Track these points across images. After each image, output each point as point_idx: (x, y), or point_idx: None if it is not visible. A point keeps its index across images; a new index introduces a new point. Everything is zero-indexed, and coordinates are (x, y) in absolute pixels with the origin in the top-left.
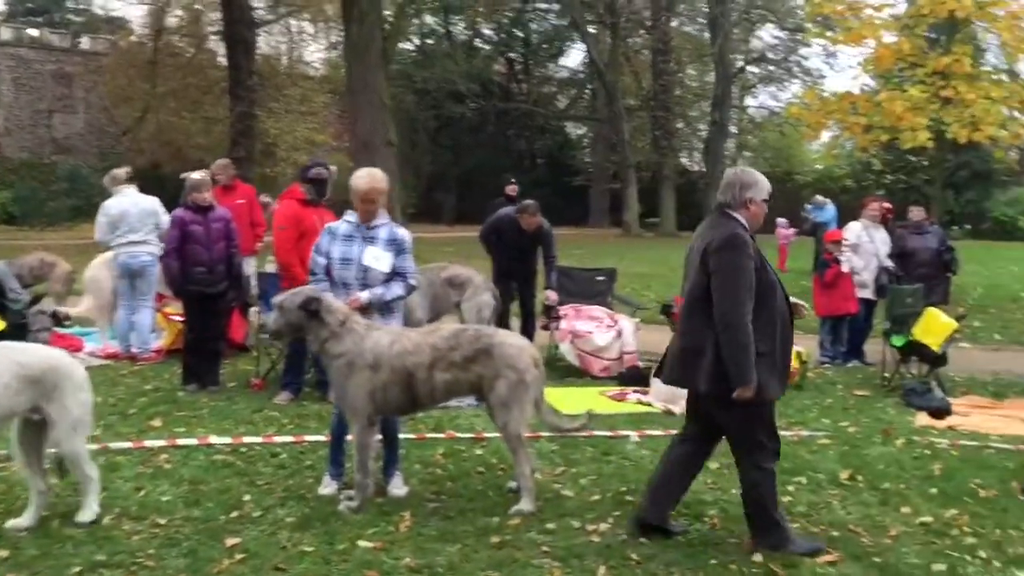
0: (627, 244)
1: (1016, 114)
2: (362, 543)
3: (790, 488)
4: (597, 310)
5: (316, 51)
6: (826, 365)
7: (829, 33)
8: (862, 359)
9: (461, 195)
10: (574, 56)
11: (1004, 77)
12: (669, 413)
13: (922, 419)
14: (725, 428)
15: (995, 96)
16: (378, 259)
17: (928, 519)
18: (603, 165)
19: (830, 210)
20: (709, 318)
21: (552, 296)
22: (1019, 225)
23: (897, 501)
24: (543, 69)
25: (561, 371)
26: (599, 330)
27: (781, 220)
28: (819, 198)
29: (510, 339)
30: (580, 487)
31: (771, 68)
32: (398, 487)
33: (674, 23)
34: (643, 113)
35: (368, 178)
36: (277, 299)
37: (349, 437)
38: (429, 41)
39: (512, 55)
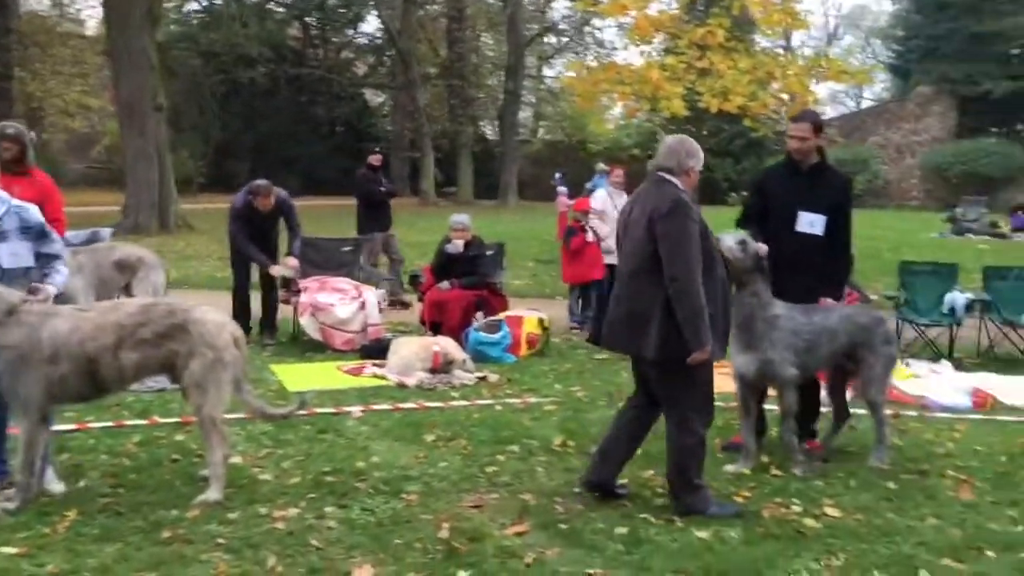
0: (420, 213)
1: (776, 86)
2: (4, 549)
3: (500, 457)
4: (343, 282)
5: (88, 8)
6: (575, 330)
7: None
8: None
9: (255, 163)
10: (373, 22)
11: (780, 50)
12: (403, 386)
13: None
14: (664, 393)
15: (742, 67)
16: (16, 255)
17: (623, 481)
18: (402, 133)
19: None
20: (654, 284)
21: (292, 262)
22: None
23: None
24: (341, 35)
25: (303, 345)
26: (342, 303)
27: (562, 188)
28: (602, 166)
29: (209, 315)
30: (281, 470)
31: (565, 39)
32: (53, 483)
33: None
34: (440, 81)
35: None
36: None
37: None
38: (217, 2)
39: (308, 19)
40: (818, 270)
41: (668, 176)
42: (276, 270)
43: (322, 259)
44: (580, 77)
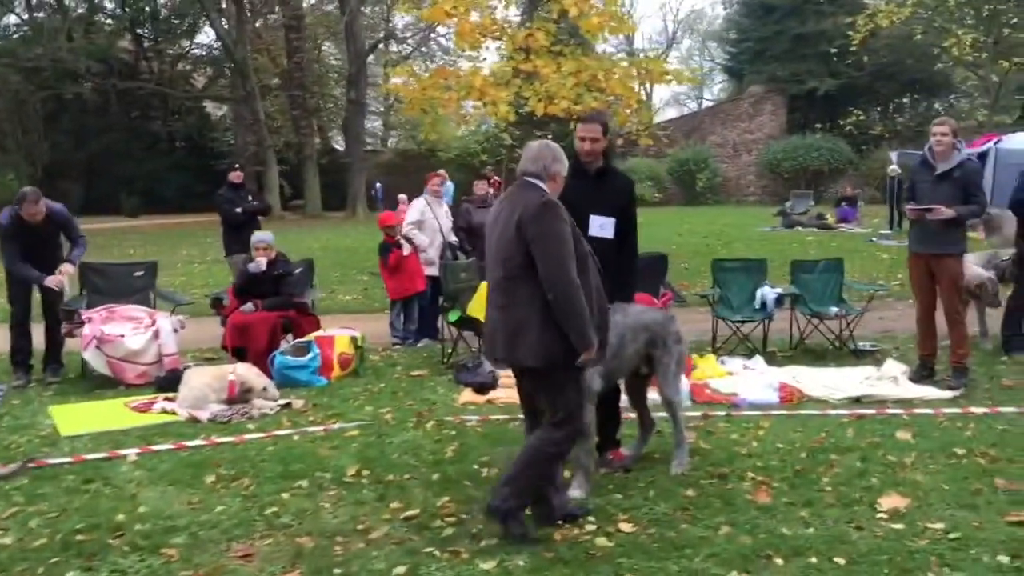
0: (265, 228)
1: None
2: None
3: (285, 496)
4: (135, 309)
5: None
6: (398, 345)
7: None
8: (434, 336)
9: (89, 182)
10: (210, 32)
11: (623, 55)
12: (194, 420)
13: (466, 396)
14: (545, 399)
15: (566, 70)
16: None
17: (415, 512)
18: (245, 147)
19: (448, 186)
20: (530, 289)
21: (67, 268)
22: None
23: (395, 494)
24: (176, 47)
25: (93, 382)
26: (134, 332)
27: (402, 196)
28: (442, 172)
29: None
30: (28, 531)
31: (409, 47)
32: None
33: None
34: (281, 92)
35: None
36: None
37: None
38: (39, 15)
39: (140, 31)
40: (612, 273)
41: (534, 181)
42: (51, 280)
43: (111, 287)
44: (407, 84)
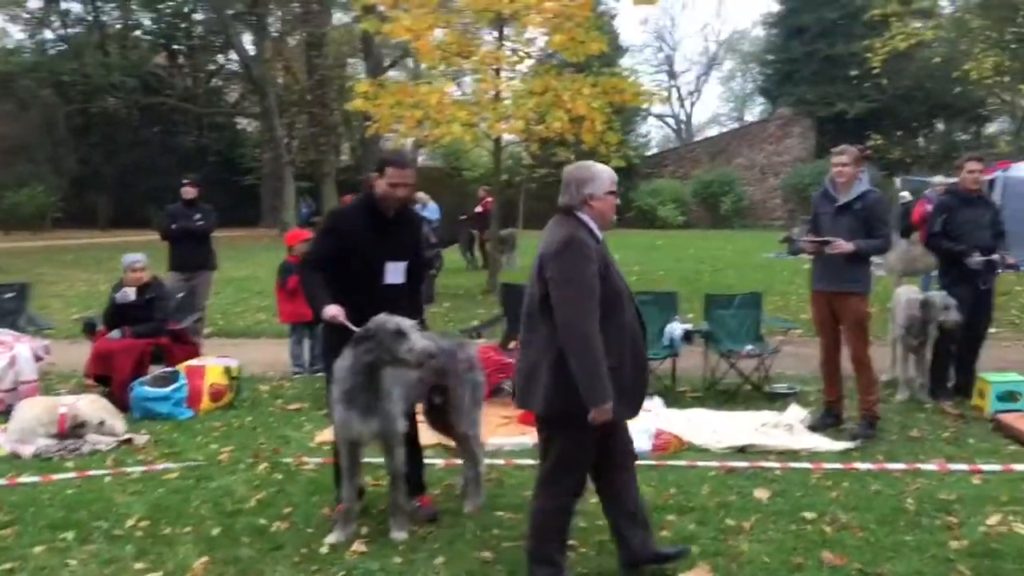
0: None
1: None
2: None
3: (36, 550)
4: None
5: None
6: (297, 375)
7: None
8: None
9: (119, 196)
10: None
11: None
12: (16, 456)
13: (325, 434)
14: (545, 448)
15: (526, 89)
16: None
17: (158, 574)
18: (264, 164)
19: (433, 208)
20: (547, 332)
21: None
22: (659, 214)
23: (157, 551)
24: (211, 62)
25: None
26: None
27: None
28: (421, 195)
29: None
30: None
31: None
32: None
33: (336, 15)
34: (297, 109)
35: None
36: None
37: None
38: (75, 30)
39: (176, 47)
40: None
41: (570, 212)
42: None
43: None
44: (369, 100)
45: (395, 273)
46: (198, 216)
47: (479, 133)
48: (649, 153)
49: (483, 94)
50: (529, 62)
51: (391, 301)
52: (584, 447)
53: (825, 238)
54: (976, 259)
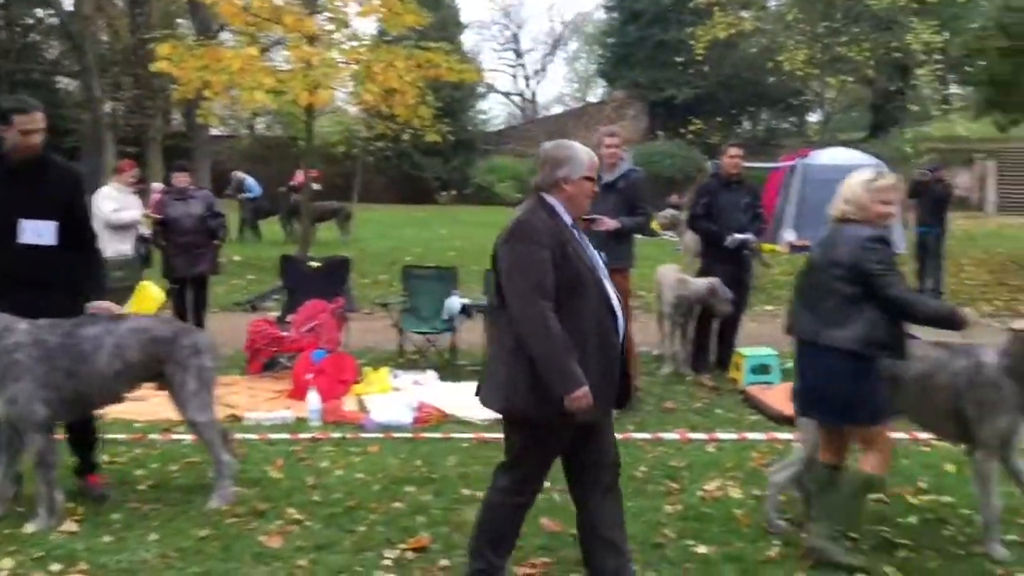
0: None
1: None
2: None
3: None
4: None
5: None
6: None
7: None
8: None
9: None
10: (68, 3)
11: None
12: None
13: None
14: (507, 446)
15: (332, 57)
16: None
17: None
18: (89, 125)
19: (252, 183)
20: (504, 322)
21: None
22: (495, 191)
23: None
24: (29, 16)
25: None
26: None
27: (156, 184)
28: (238, 173)
29: None
30: None
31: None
32: None
33: None
34: (119, 69)
35: None
36: None
37: None
38: None
39: None
40: (63, 282)
41: (540, 195)
42: None
43: None
44: (174, 63)
45: (36, 232)
46: None
47: (287, 102)
48: (492, 131)
49: (296, 62)
50: (346, 31)
51: (35, 264)
52: (541, 447)
53: (592, 215)
54: (732, 239)
